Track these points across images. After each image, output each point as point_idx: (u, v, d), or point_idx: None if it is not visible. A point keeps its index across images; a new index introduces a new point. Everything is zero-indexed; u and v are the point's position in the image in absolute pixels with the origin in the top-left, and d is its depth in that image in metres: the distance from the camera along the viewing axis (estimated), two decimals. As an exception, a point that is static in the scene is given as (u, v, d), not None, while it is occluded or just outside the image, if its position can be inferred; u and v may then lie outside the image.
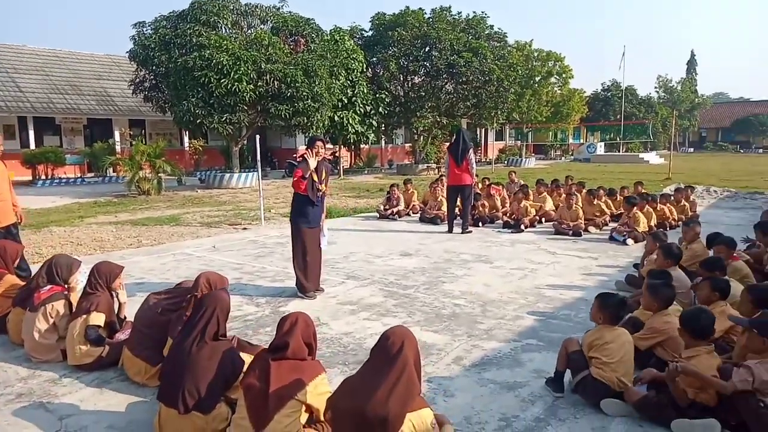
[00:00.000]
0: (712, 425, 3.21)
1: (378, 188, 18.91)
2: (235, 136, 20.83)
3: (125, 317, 4.71)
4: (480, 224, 11.35)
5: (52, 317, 4.42)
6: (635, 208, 9.62)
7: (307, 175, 6.05)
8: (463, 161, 10.35)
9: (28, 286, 4.78)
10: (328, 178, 6.42)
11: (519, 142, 41.67)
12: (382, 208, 12.84)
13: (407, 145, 33.23)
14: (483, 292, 6.46)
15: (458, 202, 10.65)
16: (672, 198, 11.55)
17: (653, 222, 9.99)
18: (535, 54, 38.11)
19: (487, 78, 26.70)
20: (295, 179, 6.13)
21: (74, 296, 4.68)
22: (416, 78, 27.87)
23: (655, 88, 56.03)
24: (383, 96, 25.30)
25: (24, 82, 24.99)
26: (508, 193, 12.95)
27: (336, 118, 22.39)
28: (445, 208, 11.28)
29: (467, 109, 28.23)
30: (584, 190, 12.34)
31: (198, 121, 18.44)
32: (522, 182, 13.34)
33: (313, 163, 6.07)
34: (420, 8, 28.04)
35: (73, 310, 4.48)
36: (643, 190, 12.15)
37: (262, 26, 22.04)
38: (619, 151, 41.01)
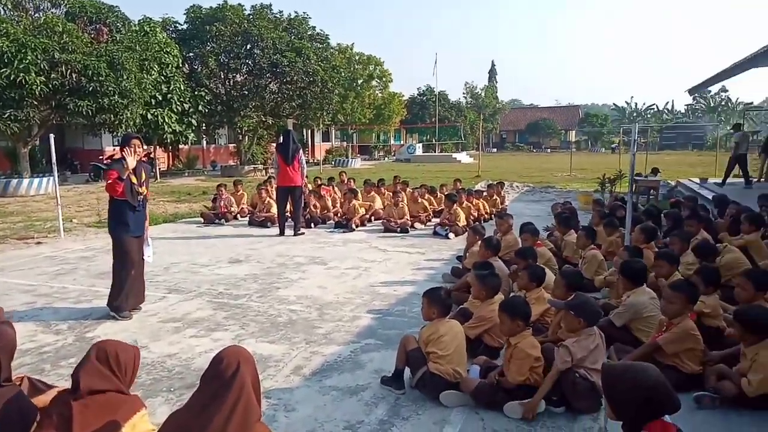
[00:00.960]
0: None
1: (201, 191, 17.75)
2: (23, 135, 17.91)
3: None
4: (312, 225, 11.23)
5: None
6: (455, 204, 10.32)
7: (124, 177, 5.32)
8: (293, 161, 10.15)
9: None
10: (148, 180, 5.73)
11: (345, 143, 42.63)
12: (208, 210, 12.05)
13: (231, 145, 31.89)
14: (319, 295, 6.33)
15: (289, 204, 10.39)
16: (485, 193, 12.66)
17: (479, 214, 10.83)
18: (357, 57, 39.32)
19: (311, 79, 26.76)
20: (109, 182, 5.34)
21: None
22: (238, 76, 26.84)
23: (464, 93, 61.64)
24: (203, 94, 23.90)
25: None
26: (339, 193, 13.03)
27: (150, 116, 20.53)
28: (275, 210, 10.94)
29: (293, 110, 28.00)
30: (408, 189, 12.94)
31: (-29, 118, 15.46)
32: (353, 182, 13.52)
33: (131, 162, 5.36)
34: (239, 4, 27.07)
35: None
36: (461, 186, 13.13)
37: (53, 10, 19.28)
38: (435, 152, 44.18)
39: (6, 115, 15.67)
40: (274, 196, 10.81)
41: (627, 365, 2.37)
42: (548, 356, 3.60)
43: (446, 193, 11.96)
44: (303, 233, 10.32)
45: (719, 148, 31.34)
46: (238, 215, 12.33)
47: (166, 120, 21.28)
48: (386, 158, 43.76)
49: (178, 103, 21.94)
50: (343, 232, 10.65)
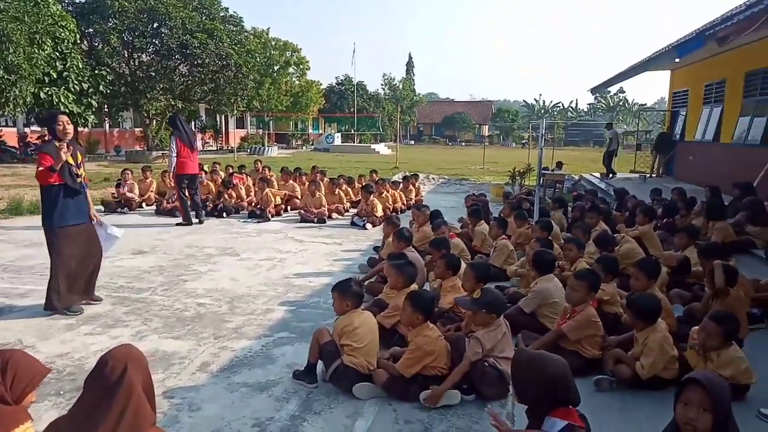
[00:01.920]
0: (450, 395, 3.51)
1: (102, 177, 16.55)
2: None
3: None
4: (225, 215, 10.81)
5: None
6: (372, 195, 10.31)
7: (59, 162, 4.79)
8: (195, 148, 9.80)
9: None
10: (84, 161, 5.23)
11: (261, 130, 41.51)
12: (110, 197, 11.28)
13: (138, 130, 30.07)
14: (230, 288, 6.08)
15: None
16: (401, 185, 12.77)
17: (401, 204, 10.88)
18: (273, 43, 38.30)
19: (224, 62, 25.71)
20: (41, 169, 4.80)
21: None
22: (144, 56, 25.26)
23: (382, 85, 61.87)
24: (104, 73, 22.24)
25: None
26: (254, 181, 12.62)
27: (43, 95, 18.83)
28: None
29: (204, 94, 26.82)
30: (326, 179, 12.80)
31: None
32: (268, 171, 13.13)
33: (64, 143, 4.88)
34: (145, -22, 25.41)
35: None
36: (378, 178, 13.16)
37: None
38: (353, 142, 44.12)
39: None
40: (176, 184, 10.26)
41: (535, 355, 2.44)
42: (458, 346, 3.65)
43: (364, 184, 11.94)
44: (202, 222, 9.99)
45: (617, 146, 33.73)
46: (144, 203, 11.64)
47: (62, 100, 19.59)
48: (304, 147, 43.14)
49: (76, 82, 20.28)
50: (258, 222, 10.34)
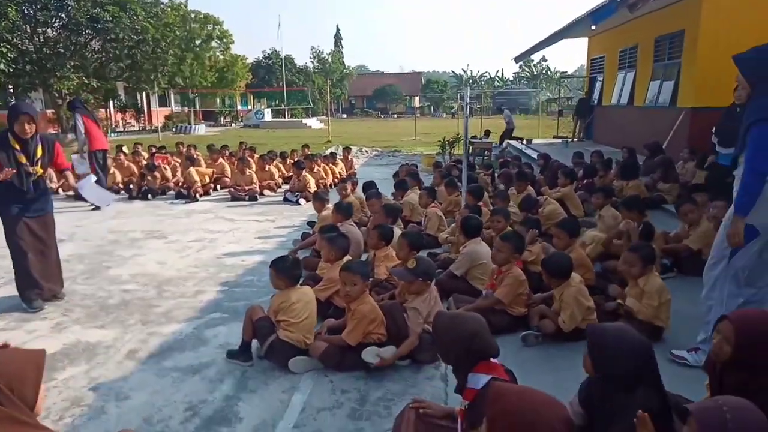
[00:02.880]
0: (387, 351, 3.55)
1: (12, 165, 15.36)
2: None
3: None
4: (150, 197, 10.33)
5: None
6: (304, 170, 10.15)
7: (8, 163, 4.48)
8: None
9: None
10: (49, 155, 4.81)
11: (186, 108, 39.74)
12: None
13: (50, 111, 28.01)
14: (158, 272, 5.84)
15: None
16: (335, 158, 12.62)
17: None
18: (193, 15, 36.45)
19: (140, 37, 24.23)
20: None
21: None
22: (50, 31, 23.38)
23: (310, 58, 60.68)
24: (4, 50, 20.44)
25: None
26: (179, 161, 12.11)
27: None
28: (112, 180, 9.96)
29: (121, 71, 25.28)
30: (256, 156, 12.47)
31: None
32: (193, 149, 12.60)
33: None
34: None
35: None
36: (309, 152, 12.95)
37: None
38: (284, 117, 43.16)
39: None
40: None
41: (452, 315, 2.49)
42: (393, 314, 3.68)
43: (295, 159, 11.73)
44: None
45: (541, 113, 34.89)
46: (61, 189, 10.91)
47: (-42, 80, 17.91)
48: (233, 124, 41.75)
49: (-28, 60, 18.57)
50: (186, 202, 9.96)
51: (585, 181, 8.14)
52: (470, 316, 2.48)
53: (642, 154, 9.66)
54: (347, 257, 4.52)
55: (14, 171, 4.48)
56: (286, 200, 9.95)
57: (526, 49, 18.07)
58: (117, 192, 10.71)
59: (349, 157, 13.58)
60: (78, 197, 9.88)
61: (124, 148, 11.98)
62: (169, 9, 30.03)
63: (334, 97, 57.43)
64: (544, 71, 74.13)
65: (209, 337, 4.19)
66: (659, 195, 7.72)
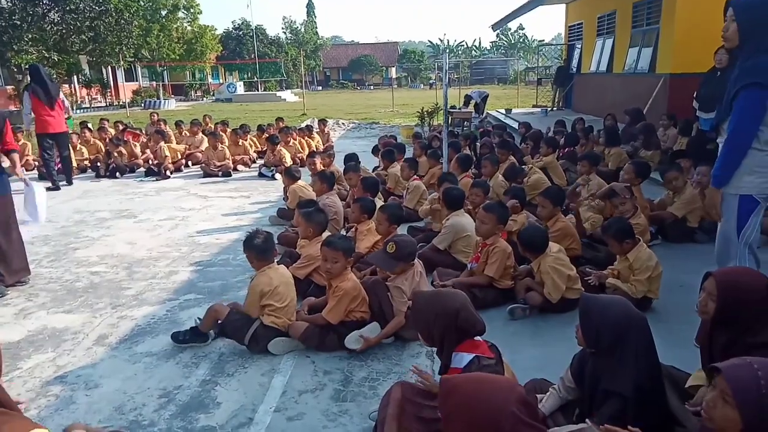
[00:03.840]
0: (371, 330, 3.45)
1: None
2: None
3: None
4: (118, 175, 9.98)
5: None
6: (279, 144, 9.89)
7: None
8: (56, 104, 8.88)
9: None
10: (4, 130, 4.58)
11: (155, 82, 38.61)
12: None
13: (9, 87, 26.90)
14: (128, 252, 5.63)
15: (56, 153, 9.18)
16: (311, 132, 12.32)
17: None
18: (158, -16, 35.10)
19: (102, 8, 23.23)
20: None
21: None
22: (3, 1, 22.26)
23: (283, 29, 59.19)
24: (-44, 23, 19.44)
25: None
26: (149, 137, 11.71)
27: None
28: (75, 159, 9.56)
29: (83, 44, 24.21)
30: (229, 130, 12.13)
31: None
32: (163, 124, 12.20)
33: None
34: None
35: None
36: (284, 125, 12.64)
37: None
38: (257, 90, 42.23)
39: None
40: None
41: (433, 294, 2.38)
42: (376, 291, 3.56)
43: (270, 134, 11.42)
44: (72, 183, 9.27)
45: (519, 82, 34.72)
46: (24, 168, 10.47)
47: None
48: (205, 98, 40.79)
49: None
50: (156, 180, 9.65)
51: (567, 149, 8.06)
52: (451, 293, 2.37)
53: (622, 122, 9.62)
54: (326, 233, 4.38)
55: None
56: (261, 175, 9.71)
57: (503, 16, 17.81)
58: (84, 171, 10.36)
59: (326, 129, 13.30)
60: (41, 177, 9.51)
61: (89, 125, 11.52)
62: (131, -23, 28.85)
63: (308, 69, 56.37)
64: (521, 40, 73.76)
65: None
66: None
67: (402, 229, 4.80)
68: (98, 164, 10.26)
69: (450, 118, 14.06)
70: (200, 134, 11.54)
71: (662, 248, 5.01)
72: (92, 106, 31.30)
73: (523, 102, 22.85)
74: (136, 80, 39.27)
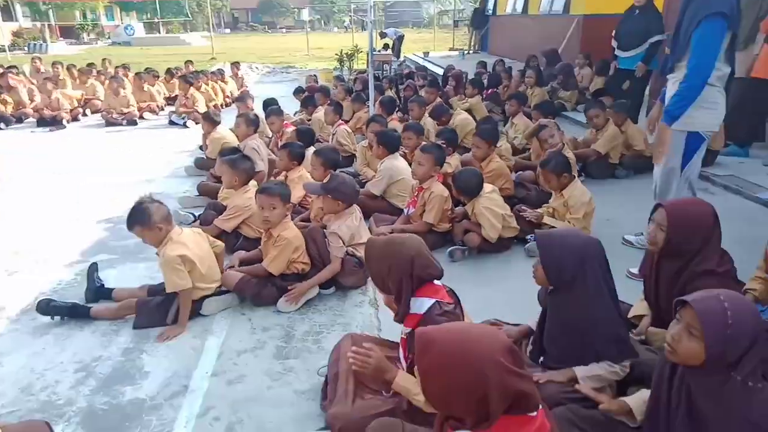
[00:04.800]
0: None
1: None
2: None
3: None
4: (3, 125, 8.85)
5: None
6: (192, 87, 9.13)
7: None
8: None
9: None
10: None
11: (38, 23, 34.56)
12: None
13: None
14: (26, 211, 5.01)
15: None
16: (223, 76, 11.52)
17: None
18: None
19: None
20: None
21: None
22: None
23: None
24: None
25: None
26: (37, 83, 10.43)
27: None
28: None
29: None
30: (131, 74, 11.06)
31: None
32: (60, 68, 10.88)
33: None
34: None
35: None
36: (194, 69, 11.72)
37: None
38: (159, 33, 39.03)
39: None
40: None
41: (386, 241, 2.19)
42: (314, 237, 3.34)
43: (180, 74, 10.54)
44: None
45: (435, 25, 34.37)
46: None
47: None
48: (99, 41, 37.19)
49: None
50: (51, 130, 8.65)
51: (490, 91, 8.02)
52: (406, 238, 2.20)
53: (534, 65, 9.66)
54: (252, 182, 4.06)
55: None
56: (171, 123, 8.97)
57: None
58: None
59: (239, 74, 12.51)
60: None
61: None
62: None
63: (214, 10, 52.79)
64: (434, -17, 72.73)
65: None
66: (560, 102, 7.81)
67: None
68: (-22, 115, 9.03)
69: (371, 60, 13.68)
70: (98, 79, 10.43)
71: (586, 185, 5.09)
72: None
73: (440, 45, 22.66)
74: (16, 20, 34.99)
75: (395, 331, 2.33)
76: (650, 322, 2.44)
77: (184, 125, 8.81)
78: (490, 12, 17.58)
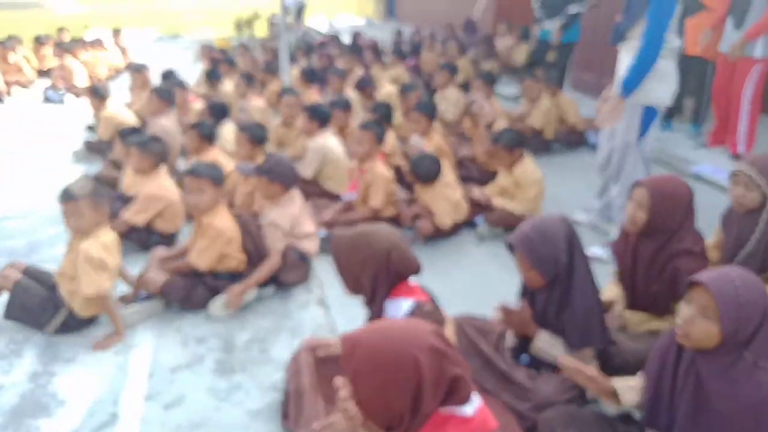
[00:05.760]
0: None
1: None
2: None
3: None
4: None
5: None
6: (69, 55, 8.23)
7: None
8: None
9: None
10: None
11: None
12: None
13: None
14: None
15: None
16: (103, 45, 10.47)
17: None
18: None
19: None
20: None
21: None
22: None
23: None
24: None
25: None
26: None
27: None
28: None
29: None
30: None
31: None
32: None
33: None
34: None
35: None
36: (68, 38, 10.57)
37: None
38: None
39: None
40: None
41: (356, 235, 2.02)
42: (249, 228, 3.08)
43: (54, 43, 9.47)
44: None
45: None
46: None
47: None
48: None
49: None
50: None
51: (413, 62, 7.92)
52: (378, 230, 2.05)
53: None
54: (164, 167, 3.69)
55: None
56: (47, 100, 8.05)
57: None
58: None
59: (121, 43, 11.47)
60: None
61: None
62: None
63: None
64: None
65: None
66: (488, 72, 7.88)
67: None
68: None
69: (271, 28, 13.11)
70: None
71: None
72: None
73: (342, 9, 22.26)
74: None
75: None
76: (624, 305, 2.48)
77: (61, 101, 7.96)
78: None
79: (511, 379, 2.10)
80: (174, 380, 2.49)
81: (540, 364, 2.13)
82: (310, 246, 3.23)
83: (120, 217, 3.49)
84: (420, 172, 3.58)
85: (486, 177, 4.22)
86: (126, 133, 4.09)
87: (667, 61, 3.00)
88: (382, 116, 4.46)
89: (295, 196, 3.21)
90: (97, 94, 5.43)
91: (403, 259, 2.00)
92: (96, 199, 2.62)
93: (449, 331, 2.20)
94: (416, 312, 1.95)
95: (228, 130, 4.60)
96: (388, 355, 1.24)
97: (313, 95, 5.97)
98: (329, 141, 4.15)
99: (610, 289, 2.56)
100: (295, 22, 14.98)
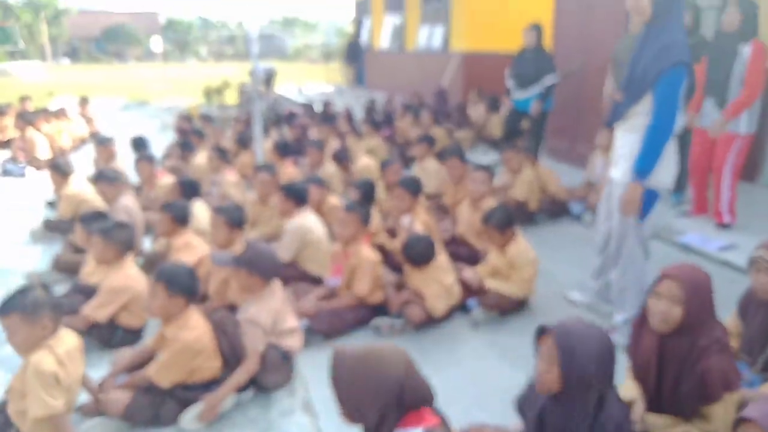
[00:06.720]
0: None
1: None
2: None
3: None
4: None
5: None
6: (31, 127, 7.89)
7: None
8: None
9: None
10: None
11: None
12: None
13: None
14: None
15: None
16: (66, 114, 10.16)
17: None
18: None
19: None
20: None
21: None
22: None
23: (10, -13, 49.49)
24: None
25: None
26: None
27: None
28: None
29: None
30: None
31: None
32: None
33: None
34: None
35: None
36: (28, 109, 10.25)
37: None
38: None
39: None
40: None
41: (361, 356, 1.70)
42: (225, 328, 2.74)
43: (16, 113, 9.12)
44: None
45: (301, 59, 34.47)
46: None
47: None
48: None
49: None
50: None
51: (389, 132, 7.84)
52: (388, 353, 1.73)
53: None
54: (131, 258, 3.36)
55: None
56: (6, 173, 7.64)
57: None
58: None
59: (88, 112, 11.19)
60: None
61: None
62: None
63: (50, 39, 48.56)
64: (297, 16, 73.71)
65: None
66: (456, 144, 7.84)
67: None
68: None
69: (241, 95, 13.06)
70: None
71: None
72: None
73: (313, 79, 22.56)
74: None
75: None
76: (644, 407, 2.23)
77: (21, 175, 7.56)
78: (365, 46, 17.83)
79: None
80: None
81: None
82: (293, 343, 2.89)
83: (80, 312, 3.13)
84: (413, 255, 3.33)
85: (474, 256, 4.01)
86: (87, 219, 3.74)
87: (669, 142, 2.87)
88: (364, 194, 4.24)
89: (276, 288, 2.89)
90: (59, 170, 5.06)
91: (417, 389, 1.70)
92: (31, 313, 2.20)
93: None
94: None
95: (199, 208, 4.28)
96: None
97: (289, 168, 5.74)
98: (308, 221, 3.88)
99: (627, 386, 2.30)
100: (266, 90, 15.01)
